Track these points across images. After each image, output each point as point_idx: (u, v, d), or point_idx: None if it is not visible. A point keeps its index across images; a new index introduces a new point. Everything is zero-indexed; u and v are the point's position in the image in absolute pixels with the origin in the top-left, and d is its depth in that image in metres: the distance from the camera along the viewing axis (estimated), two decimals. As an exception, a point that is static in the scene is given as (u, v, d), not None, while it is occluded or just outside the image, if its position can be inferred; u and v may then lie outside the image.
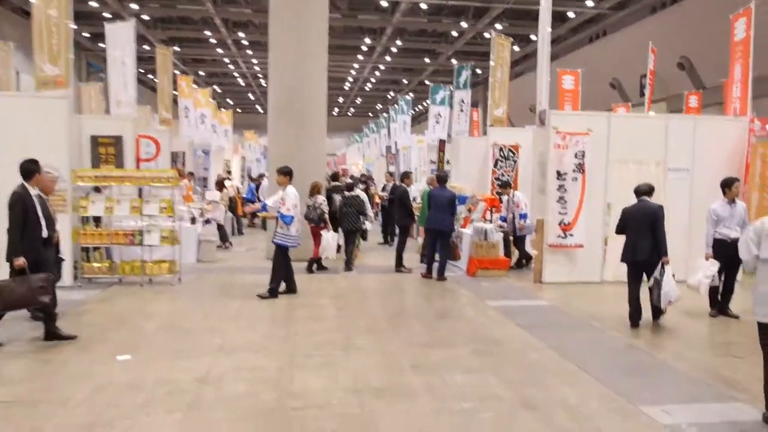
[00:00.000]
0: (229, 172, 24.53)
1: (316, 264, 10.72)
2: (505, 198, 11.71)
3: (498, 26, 25.92)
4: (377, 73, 40.24)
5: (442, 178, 10.58)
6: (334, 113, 59.93)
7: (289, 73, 11.83)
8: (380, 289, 9.33)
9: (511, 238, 11.43)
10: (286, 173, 8.57)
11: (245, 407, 4.54)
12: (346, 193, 11.36)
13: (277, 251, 8.50)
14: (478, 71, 33.20)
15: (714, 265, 7.57)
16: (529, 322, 7.25)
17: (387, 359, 5.73)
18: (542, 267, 10.02)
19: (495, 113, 13.21)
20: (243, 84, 45.97)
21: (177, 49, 32.96)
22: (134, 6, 25.27)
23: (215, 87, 46.92)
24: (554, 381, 5.18)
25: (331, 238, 10.27)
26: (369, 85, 45.32)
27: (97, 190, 10.15)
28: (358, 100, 53.81)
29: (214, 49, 33.94)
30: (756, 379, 4.69)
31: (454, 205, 10.24)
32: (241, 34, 30.13)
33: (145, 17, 27.95)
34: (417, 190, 15.91)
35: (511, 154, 13.01)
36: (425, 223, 10.51)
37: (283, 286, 8.69)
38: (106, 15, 25.30)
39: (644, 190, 7.47)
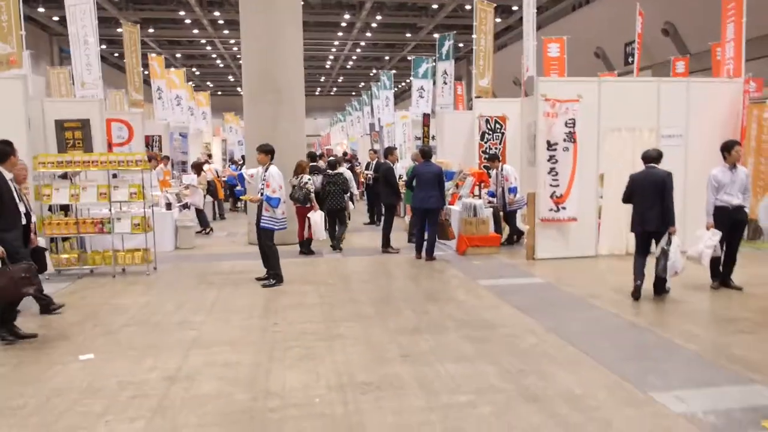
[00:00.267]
0: (209, 155, 23.90)
1: (310, 246, 10.33)
2: (493, 172, 11.27)
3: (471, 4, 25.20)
4: (358, 50, 39.43)
5: (426, 153, 10.08)
6: (316, 93, 58.98)
7: (263, 45, 11.22)
8: (366, 273, 8.87)
9: (501, 213, 11.01)
10: (267, 152, 8.05)
11: (216, 410, 4.09)
12: (330, 172, 10.90)
13: (264, 235, 8.01)
14: (460, 45, 32.51)
15: (715, 235, 7.21)
16: (523, 302, 6.84)
17: (373, 349, 5.29)
18: (534, 242, 9.62)
19: (480, 83, 12.69)
20: (222, 66, 44.89)
21: (151, 30, 31.98)
22: (104, -14, 24.28)
23: (194, 69, 45.95)
24: (555, 368, 4.77)
25: (319, 219, 9.86)
26: (350, 62, 44.45)
27: (64, 176, 9.60)
28: (340, 79, 52.87)
29: (189, 29, 32.90)
30: (774, 357, 4.31)
31: (442, 180, 9.76)
32: (216, 14, 29.18)
33: (117, -1, 26.96)
34: (402, 167, 15.48)
35: (498, 126, 12.52)
36: (412, 203, 10.03)
37: (262, 272, 8.23)
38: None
39: (653, 156, 7.12)
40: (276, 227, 7.98)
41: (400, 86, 47.76)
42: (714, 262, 7.40)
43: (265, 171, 7.92)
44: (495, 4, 12.99)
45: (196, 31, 33.05)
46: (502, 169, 10.94)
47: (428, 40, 33.46)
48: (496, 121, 12.48)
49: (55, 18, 28.55)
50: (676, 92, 9.84)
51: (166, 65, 21.50)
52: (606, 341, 5.46)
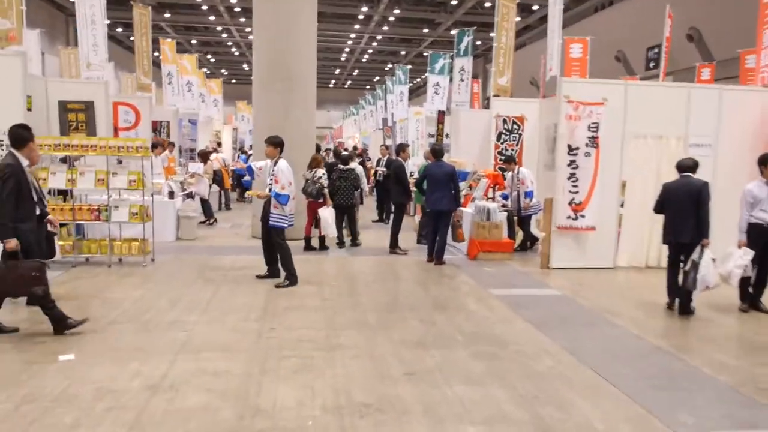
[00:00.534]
0: (219, 144, 23.57)
1: (309, 242, 10.03)
2: (508, 174, 10.81)
3: (495, -1, 24.66)
4: (374, 43, 38.91)
5: (438, 152, 9.62)
6: (330, 85, 58.52)
7: (275, 30, 10.81)
8: (372, 274, 8.46)
9: (515, 218, 10.57)
10: (276, 144, 7.56)
11: (199, 428, 3.70)
12: (341, 167, 10.52)
13: (275, 234, 7.58)
14: (478, 43, 31.94)
15: (747, 254, 6.74)
16: (538, 316, 6.41)
17: (375, 363, 4.88)
18: (550, 251, 9.17)
19: (499, 82, 12.22)
20: (237, 54, 44.49)
21: (168, 15, 31.65)
22: (121, -30, 23.92)
23: (209, 56, 45.59)
24: (574, 395, 4.34)
25: (329, 215, 9.50)
26: (366, 56, 43.94)
27: (65, 161, 9.27)
28: (355, 72, 52.36)
29: (206, 16, 32.53)
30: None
31: (456, 180, 9.31)
32: (233, 0, 28.79)
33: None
34: (414, 164, 15.05)
35: (515, 126, 12.05)
36: (424, 204, 9.60)
37: (264, 269, 7.84)
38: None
39: (687, 165, 6.87)
40: (286, 224, 7.57)
41: (414, 82, 47.21)
42: (743, 282, 6.94)
43: (274, 165, 7.48)
44: (518, 0, 12.50)
45: (212, 17, 32.68)
46: (518, 172, 10.50)
47: (446, 37, 32.90)
48: (513, 122, 12.02)
49: (71, -2, 28.31)
50: (707, 99, 9.33)
51: (182, 51, 21.20)
52: (628, 366, 5.03)
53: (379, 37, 36.67)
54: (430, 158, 9.97)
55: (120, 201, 8.42)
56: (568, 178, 9.06)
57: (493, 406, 4.12)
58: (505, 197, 10.73)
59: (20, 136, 5.48)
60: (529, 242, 10.74)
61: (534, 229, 10.82)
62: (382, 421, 3.86)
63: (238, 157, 20.31)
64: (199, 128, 20.43)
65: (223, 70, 51.84)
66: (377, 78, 50.55)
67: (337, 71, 51.63)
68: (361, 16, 31.54)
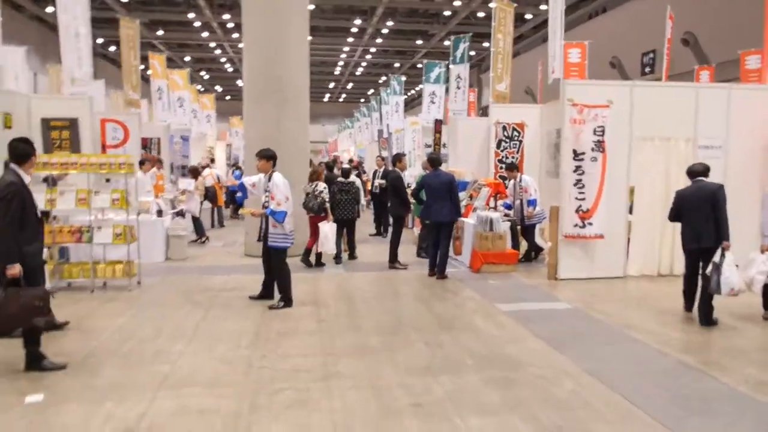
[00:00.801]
0: (212, 160, 23.14)
1: (309, 257, 9.60)
2: (511, 182, 10.39)
3: (492, 4, 24.38)
4: (368, 56, 38.69)
5: (435, 161, 9.19)
6: (325, 99, 58.31)
7: (265, 42, 10.42)
8: (371, 292, 7.99)
9: (519, 227, 10.13)
10: (268, 157, 7.03)
11: (178, 481, 3.23)
12: (342, 180, 10.12)
13: (276, 256, 7.06)
14: (471, 53, 31.68)
15: (771, 259, 6.31)
16: (552, 333, 5.94)
17: (378, 394, 4.40)
18: (557, 261, 8.72)
19: (497, 88, 11.83)
20: (231, 70, 44.24)
21: (160, 33, 31.38)
22: (113, -13, 23.66)
23: (202, 73, 45.31)
24: (602, 426, 3.88)
25: (329, 231, 9.05)
26: (360, 69, 43.71)
27: (46, 180, 8.82)
28: (350, 86, 52.13)
29: (199, 33, 32.26)
30: None
31: (455, 189, 8.88)
32: (226, 16, 28.50)
33: (125, -1, 26.32)
34: (411, 175, 14.64)
35: (515, 133, 11.66)
36: (424, 216, 9.15)
37: (258, 289, 7.35)
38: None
39: (699, 170, 6.70)
40: (287, 244, 7.05)
41: (409, 94, 46.97)
42: (767, 289, 6.51)
43: (269, 180, 6.99)
44: (515, 4, 12.15)
45: (205, 34, 32.42)
46: (520, 180, 10.07)
47: (439, 48, 32.67)
48: (513, 128, 11.62)
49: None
50: (715, 99, 8.95)
51: (175, 67, 20.84)
52: (656, 387, 4.56)
53: (372, 49, 36.45)
54: (428, 168, 9.55)
55: (103, 221, 7.95)
56: (575, 185, 8.64)
57: (512, 442, 3.66)
58: (508, 206, 10.30)
59: (23, 151, 4.98)
60: (534, 252, 10.30)
61: (538, 239, 10.39)
62: (387, 464, 3.39)
63: (232, 173, 19.87)
64: (191, 144, 20.01)
65: (217, 87, 51.56)
66: (371, 91, 50.30)
67: (332, 85, 51.45)
68: (354, 29, 31.31)
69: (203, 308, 6.93)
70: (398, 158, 10.63)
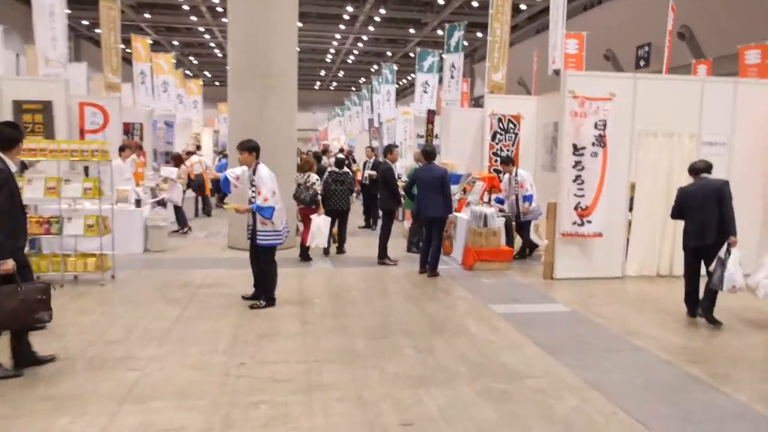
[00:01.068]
0: (198, 147, 22.57)
1: (307, 252, 9.26)
2: (505, 177, 10.00)
3: (486, -7, 23.91)
4: (360, 44, 38.06)
5: (429, 153, 8.75)
6: (316, 87, 57.63)
7: (251, 22, 9.93)
8: (359, 290, 7.58)
9: (513, 223, 9.76)
10: (251, 149, 6.46)
11: None
12: (336, 170, 9.71)
13: (264, 254, 6.56)
14: (465, 43, 31.23)
15: (781, 265, 6.01)
16: (550, 339, 5.58)
17: (364, 409, 4.02)
18: (554, 260, 8.37)
19: (493, 78, 11.43)
20: (221, 55, 43.41)
21: (148, 15, 30.62)
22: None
23: (191, 58, 44.42)
24: (611, 451, 3.52)
25: (323, 223, 8.62)
26: (352, 57, 43.08)
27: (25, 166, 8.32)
28: (341, 74, 51.47)
29: (187, 16, 31.51)
30: None
31: (447, 184, 8.46)
32: (215, 0, 27.81)
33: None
34: (402, 166, 14.25)
35: (511, 125, 11.26)
36: (415, 211, 8.74)
37: (247, 291, 6.87)
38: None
39: (702, 167, 6.53)
40: (278, 241, 6.54)
41: (401, 83, 46.44)
42: (775, 294, 6.21)
43: (253, 173, 6.45)
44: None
45: (194, 18, 31.67)
46: (516, 174, 9.68)
47: (432, 37, 32.18)
48: (509, 120, 11.22)
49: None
50: (721, 93, 8.59)
51: (164, 52, 20.21)
52: (665, 403, 4.22)
53: (364, 37, 35.85)
54: (421, 160, 9.13)
55: (74, 212, 7.48)
56: (574, 181, 8.27)
57: (512, 469, 3.29)
58: (500, 201, 9.92)
59: (9, 136, 4.56)
60: (528, 249, 9.95)
61: (533, 235, 10.04)
62: (373, 497, 3.01)
63: (219, 161, 19.36)
64: (176, 130, 19.45)
65: (206, 72, 50.72)
66: (363, 80, 49.72)
67: (323, 73, 50.76)
68: (346, 16, 30.70)
69: (180, 306, 6.50)
70: (389, 149, 10.15)
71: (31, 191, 7.14)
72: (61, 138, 9.65)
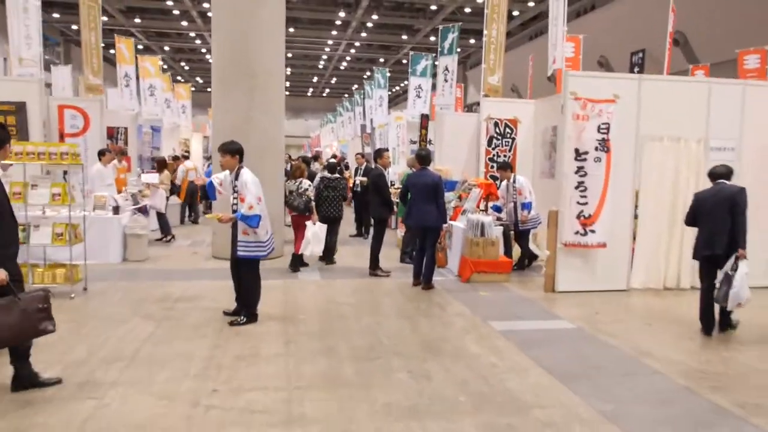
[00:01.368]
0: (186, 152, 22.04)
1: (300, 262, 8.87)
2: (503, 183, 9.54)
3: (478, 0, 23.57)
4: (352, 50, 37.69)
5: (423, 158, 8.20)
6: (308, 94, 57.19)
7: (235, 22, 9.47)
8: (349, 305, 7.06)
9: (512, 232, 9.29)
10: (233, 152, 5.96)
11: None
12: (329, 175, 9.25)
13: (246, 267, 6.03)
14: (458, 49, 30.90)
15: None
16: (557, 362, 5.10)
17: (351, 448, 3.52)
18: (555, 272, 7.90)
19: (489, 81, 10.98)
20: (212, 61, 42.95)
21: (138, 21, 30.11)
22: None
23: (182, 63, 43.87)
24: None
25: (319, 231, 8.24)
26: (344, 63, 42.69)
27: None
28: (333, 80, 51.06)
29: (178, 21, 31.01)
30: None
31: (441, 191, 7.94)
32: (206, 5, 27.30)
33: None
34: (395, 172, 13.81)
35: (508, 130, 10.82)
36: (407, 220, 8.23)
37: (229, 305, 6.34)
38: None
39: (721, 172, 6.16)
40: (262, 253, 6.00)
41: (394, 90, 46.07)
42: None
43: (236, 178, 5.94)
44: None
45: (185, 23, 31.19)
46: (514, 181, 9.22)
47: (425, 43, 31.79)
48: (506, 125, 10.78)
49: (35, 2, 26.58)
50: (729, 96, 8.18)
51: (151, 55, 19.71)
52: (691, 440, 3.74)
53: (357, 43, 35.50)
54: (415, 166, 8.62)
55: (42, 219, 6.95)
56: (576, 187, 7.82)
57: None
58: (497, 209, 9.45)
59: None
60: (528, 260, 9.49)
61: (531, 245, 9.58)
62: None
63: (208, 166, 18.82)
64: (163, 136, 18.94)
65: (197, 78, 50.17)
66: (356, 86, 49.29)
67: (315, 79, 50.36)
68: (338, 22, 30.32)
69: (153, 322, 5.97)
70: (379, 154, 9.57)
71: (-7, 197, 6.60)
72: (35, 140, 9.16)
